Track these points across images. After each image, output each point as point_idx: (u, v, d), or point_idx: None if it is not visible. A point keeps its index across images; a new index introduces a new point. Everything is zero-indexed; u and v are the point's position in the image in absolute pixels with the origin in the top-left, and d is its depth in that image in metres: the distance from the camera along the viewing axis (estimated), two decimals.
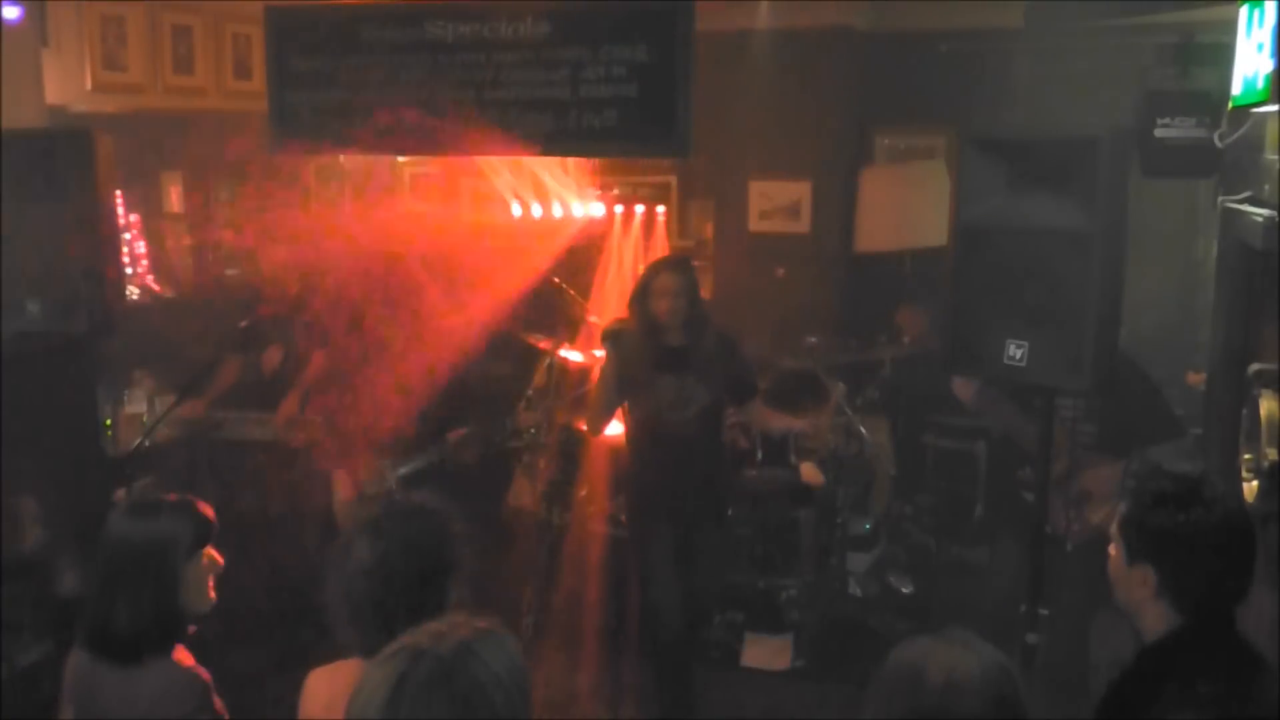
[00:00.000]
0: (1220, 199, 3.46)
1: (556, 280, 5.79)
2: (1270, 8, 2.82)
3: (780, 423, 4.66)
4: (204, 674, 2.41)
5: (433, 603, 2.12)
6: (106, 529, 2.44)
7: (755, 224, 7.04)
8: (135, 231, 6.83)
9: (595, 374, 5.50)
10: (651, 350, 4.23)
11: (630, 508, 4.64)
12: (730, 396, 4.50)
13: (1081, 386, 3.17)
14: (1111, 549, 2.23)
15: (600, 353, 4.57)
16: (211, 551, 2.48)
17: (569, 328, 5.72)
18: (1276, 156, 2.82)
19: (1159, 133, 3.62)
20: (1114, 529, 2.22)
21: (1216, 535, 2.07)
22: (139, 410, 5.18)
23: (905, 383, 6.23)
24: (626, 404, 4.39)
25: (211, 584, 2.49)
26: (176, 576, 2.39)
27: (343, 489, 4.71)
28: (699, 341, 4.24)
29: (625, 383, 4.28)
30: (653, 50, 4.11)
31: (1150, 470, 2.23)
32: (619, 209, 6.62)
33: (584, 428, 5.37)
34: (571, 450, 5.60)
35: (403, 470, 4.64)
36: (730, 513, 5.08)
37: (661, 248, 6.65)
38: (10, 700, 3.86)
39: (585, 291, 6.18)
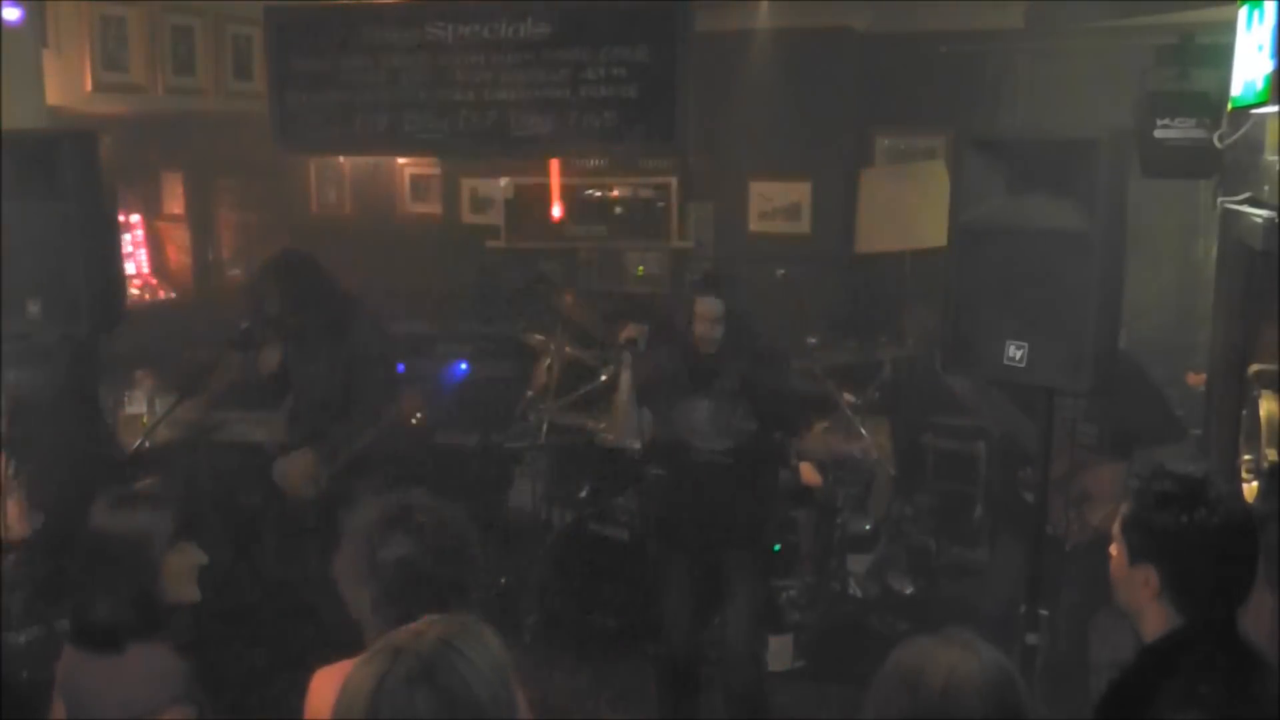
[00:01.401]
0: (1220, 200, 3.46)
1: (552, 279, 5.78)
2: (1270, 8, 2.82)
3: (814, 478, 4.58)
4: (184, 661, 2.44)
5: (454, 596, 2.13)
6: (87, 521, 2.49)
7: (755, 224, 7.04)
8: (135, 232, 6.83)
9: (598, 374, 5.51)
10: (684, 371, 3.98)
11: (654, 527, 4.42)
12: (775, 426, 4.17)
13: (1081, 387, 3.16)
14: (1113, 549, 2.23)
15: (624, 357, 4.35)
16: (189, 546, 2.51)
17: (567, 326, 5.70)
18: (1276, 157, 2.83)
19: (1159, 133, 3.61)
20: (1116, 529, 2.22)
21: (1220, 536, 2.07)
22: (139, 411, 5.18)
23: (905, 383, 6.22)
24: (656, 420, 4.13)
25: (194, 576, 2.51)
26: (155, 567, 2.44)
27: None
28: (734, 365, 3.91)
29: (649, 399, 4.05)
30: (653, 50, 4.12)
31: (1154, 471, 2.21)
32: None
33: (589, 428, 5.37)
34: (572, 450, 5.59)
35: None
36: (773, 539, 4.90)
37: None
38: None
39: None
